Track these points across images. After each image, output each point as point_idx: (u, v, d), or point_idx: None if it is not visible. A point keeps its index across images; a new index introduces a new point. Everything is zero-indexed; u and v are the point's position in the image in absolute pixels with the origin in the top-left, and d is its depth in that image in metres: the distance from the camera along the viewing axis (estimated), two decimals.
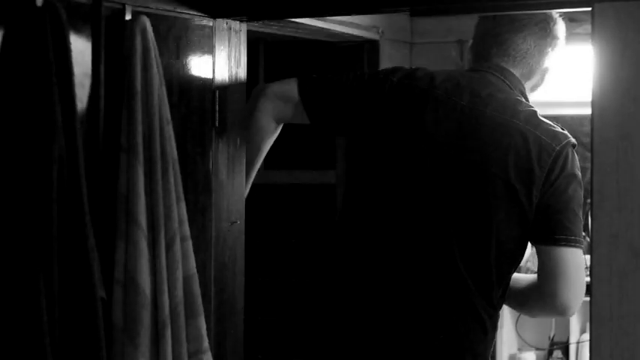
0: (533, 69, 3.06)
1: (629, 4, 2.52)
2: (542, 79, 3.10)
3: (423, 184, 2.89)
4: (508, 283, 2.93)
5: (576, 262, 2.84)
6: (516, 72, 3.03)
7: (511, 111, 2.90)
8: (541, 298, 2.94)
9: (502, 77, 3.00)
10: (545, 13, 3.04)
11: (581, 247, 2.86)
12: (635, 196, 2.53)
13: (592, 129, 2.60)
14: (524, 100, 3.00)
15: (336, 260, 3.11)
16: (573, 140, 2.92)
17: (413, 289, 2.87)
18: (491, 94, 2.93)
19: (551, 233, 2.88)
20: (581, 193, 2.89)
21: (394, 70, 3.06)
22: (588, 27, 2.67)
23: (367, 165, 3.03)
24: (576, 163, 2.89)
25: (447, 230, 2.84)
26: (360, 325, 2.95)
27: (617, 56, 2.54)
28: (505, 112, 2.89)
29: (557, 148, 2.85)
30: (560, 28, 3.12)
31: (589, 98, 2.62)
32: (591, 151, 2.62)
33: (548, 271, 2.86)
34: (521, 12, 3.04)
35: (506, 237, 2.83)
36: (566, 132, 2.92)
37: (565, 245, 2.86)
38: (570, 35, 4.58)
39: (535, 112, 2.94)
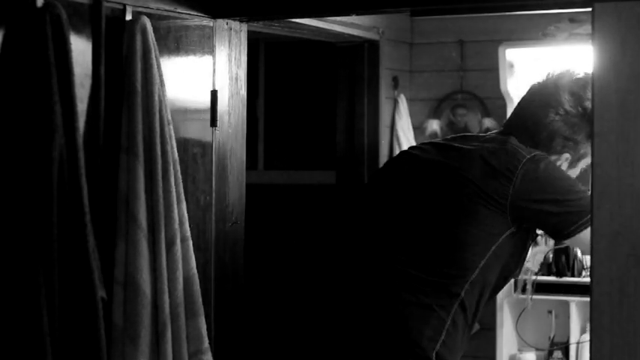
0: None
1: (629, 4, 2.52)
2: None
3: (399, 193, 3.01)
4: (484, 275, 2.95)
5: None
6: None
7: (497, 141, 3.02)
8: None
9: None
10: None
11: (588, 225, 2.87)
12: (635, 195, 2.53)
13: (592, 128, 2.61)
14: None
15: (329, 263, 3.14)
16: (542, 154, 2.99)
17: (379, 278, 2.94)
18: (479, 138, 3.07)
19: (558, 232, 2.95)
20: (562, 177, 2.95)
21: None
22: (588, 27, 2.67)
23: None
24: (545, 165, 2.94)
25: (410, 228, 2.93)
26: (343, 317, 2.99)
27: (617, 56, 2.54)
28: (492, 140, 3.04)
29: (520, 162, 2.90)
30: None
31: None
32: (592, 150, 2.62)
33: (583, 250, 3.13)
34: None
35: (459, 230, 2.89)
36: (532, 151, 2.99)
37: (574, 234, 2.92)
38: (570, 35, 4.60)
39: (507, 140, 3.02)
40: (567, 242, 3.00)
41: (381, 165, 4.97)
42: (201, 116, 3.54)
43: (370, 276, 2.93)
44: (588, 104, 2.98)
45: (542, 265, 4.68)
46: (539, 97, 3.06)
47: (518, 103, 3.15)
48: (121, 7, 3.19)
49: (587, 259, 4.67)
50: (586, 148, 3.05)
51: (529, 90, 3.14)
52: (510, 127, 3.09)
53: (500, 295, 4.68)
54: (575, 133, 3.03)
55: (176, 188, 3.25)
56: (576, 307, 4.64)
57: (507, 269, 2.96)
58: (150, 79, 3.18)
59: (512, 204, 2.85)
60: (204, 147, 3.55)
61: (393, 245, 2.91)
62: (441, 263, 2.85)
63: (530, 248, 4.64)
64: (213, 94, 3.58)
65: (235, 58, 3.69)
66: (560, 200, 2.89)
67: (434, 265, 2.85)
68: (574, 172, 3.10)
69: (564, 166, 3.09)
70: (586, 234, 2.83)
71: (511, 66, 4.77)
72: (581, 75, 3.06)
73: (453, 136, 3.20)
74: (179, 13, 3.43)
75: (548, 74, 3.11)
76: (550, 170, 2.93)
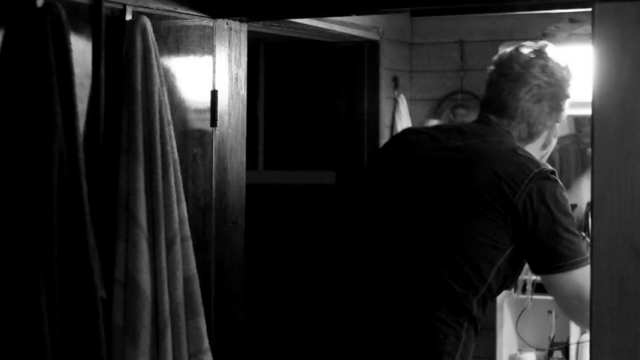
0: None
1: (629, 4, 2.52)
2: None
3: (406, 198, 2.93)
4: (490, 291, 2.91)
5: (571, 285, 2.82)
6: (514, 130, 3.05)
7: (493, 141, 2.94)
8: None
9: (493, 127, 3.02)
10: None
11: (575, 269, 2.81)
12: (635, 196, 2.53)
13: (592, 129, 2.60)
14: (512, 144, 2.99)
15: (333, 266, 3.10)
16: (549, 168, 2.91)
17: (390, 293, 2.89)
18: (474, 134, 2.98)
19: (543, 264, 2.86)
20: (566, 212, 2.87)
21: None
22: (588, 27, 2.67)
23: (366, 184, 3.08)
24: (552, 187, 2.86)
25: (419, 241, 2.86)
26: (349, 326, 2.95)
27: (617, 56, 2.54)
28: (487, 140, 2.93)
29: (527, 176, 2.84)
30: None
31: (589, 98, 2.62)
32: (591, 151, 2.62)
33: (552, 295, 2.93)
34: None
35: (467, 246, 2.83)
36: (540, 164, 2.91)
37: (550, 272, 2.86)
38: (570, 35, 4.59)
39: (516, 147, 2.95)
40: (542, 279, 2.91)
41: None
42: (201, 116, 3.54)
43: (383, 289, 2.85)
44: (556, 68, 3.01)
45: None
46: (511, 85, 2.99)
47: (489, 99, 3.05)
48: (121, 7, 3.20)
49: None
50: (565, 104, 3.03)
51: (492, 81, 3.05)
52: (497, 119, 3.00)
53: (500, 295, 4.67)
54: (559, 99, 3.01)
55: (176, 188, 3.25)
56: None
57: (510, 278, 2.92)
58: (150, 79, 3.18)
59: (514, 215, 2.80)
60: (204, 147, 3.55)
61: (404, 261, 2.85)
62: (453, 279, 2.79)
63: None
64: (213, 94, 3.58)
65: (235, 58, 3.70)
66: (555, 233, 2.82)
67: (446, 282, 2.79)
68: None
69: (555, 135, 3.07)
70: (562, 278, 2.80)
71: None
72: (529, 49, 3.03)
73: (447, 126, 3.11)
74: (179, 13, 3.43)
75: (499, 60, 3.05)
76: (554, 195, 2.85)
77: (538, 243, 2.82)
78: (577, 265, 2.82)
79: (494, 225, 2.81)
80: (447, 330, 2.79)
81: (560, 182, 2.90)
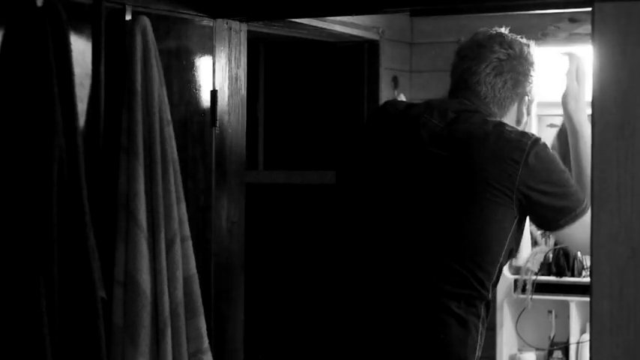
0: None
1: (629, 4, 2.52)
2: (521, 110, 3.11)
3: (402, 189, 2.93)
4: (500, 269, 2.94)
5: (579, 232, 2.87)
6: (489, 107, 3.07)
7: (479, 120, 2.95)
8: None
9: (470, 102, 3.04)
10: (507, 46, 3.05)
11: (577, 219, 2.87)
12: (635, 196, 2.53)
13: (592, 129, 2.60)
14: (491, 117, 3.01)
15: (333, 265, 3.11)
16: (535, 134, 2.97)
17: (396, 291, 2.90)
18: (460, 110, 2.98)
19: (548, 224, 2.94)
20: (560, 169, 2.93)
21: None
22: (588, 27, 2.67)
23: (363, 171, 3.08)
24: (545, 154, 2.91)
25: (429, 238, 2.87)
26: (354, 326, 2.96)
27: (617, 56, 2.54)
28: (473, 121, 2.94)
29: (524, 151, 2.87)
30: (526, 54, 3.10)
31: (589, 98, 2.62)
32: (592, 150, 2.62)
33: (572, 244, 3.09)
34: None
35: (478, 234, 2.85)
36: (529, 134, 2.95)
37: (562, 227, 2.92)
38: (570, 35, 4.59)
39: (501, 122, 2.97)
40: (554, 235, 3.02)
41: None
42: (201, 116, 3.54)
43: (395, 286, 2.88)
44: (515, 42, 3.03)
45: (542, 265, 4.68)
46: (471, 62, 3.01)
47: (455, 83, 3.06)
48: (121, 7, 3.20)
49: (587, 259, 4.67)
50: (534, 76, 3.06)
51: (455, 67, 3.07)
52: (472, 103, 3.01)
53: (500, 295, 4.68)
54: (524, 69, 3.03)
55: (176, 188, 3.25)
56: (576, 307, 4.64)
57: (515, 250, 2.96)
58: (150, 79, 3.18)
59: (518, 191, 2.83)
60: (204, 147, 3.55)
61: (416, 259, 2.86)
62: (468, 273, 2.82)
63: (531, 248, 4.62)
64: (213, 94, 3.58)
65: (235, 58, 3.70)
66: (558, 193, 2.89)
67: (461, 276, 2.82)
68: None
69: (530, 107, 3.08)
70: (572, 229, 2.87)
71: None
72: (485, 32, 3.07)
73: (429, 107, 3.07)
74: (179, 13, 3.43)
75: (458, 49, 3.08)
76: (549, 160, 2.91)
77: (547, 208, 2.89)
78: (587, 208, 2.88)
79: (501, 207, 2.84)
80: (468, 326, 2.82)
81: (545, 143, 2.94)
